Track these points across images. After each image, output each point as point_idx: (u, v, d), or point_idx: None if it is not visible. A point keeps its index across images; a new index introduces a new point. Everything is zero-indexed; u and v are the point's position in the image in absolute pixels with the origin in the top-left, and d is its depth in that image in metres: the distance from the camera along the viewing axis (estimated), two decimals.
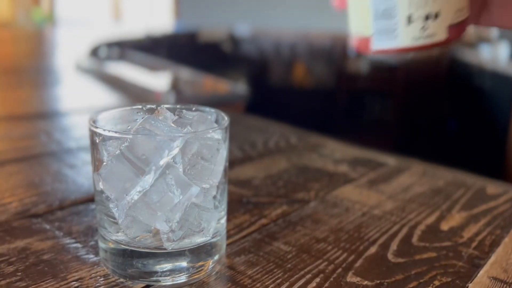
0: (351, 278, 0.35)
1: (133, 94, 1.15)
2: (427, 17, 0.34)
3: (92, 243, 0.38)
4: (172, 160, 0.31)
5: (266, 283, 0.34)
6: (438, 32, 0.34)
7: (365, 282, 0.34)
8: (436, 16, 0.34)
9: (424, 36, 0.34)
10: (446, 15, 0.34)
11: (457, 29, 0.34)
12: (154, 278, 0.33)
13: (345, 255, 0.38)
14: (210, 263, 0.35)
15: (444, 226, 0.44)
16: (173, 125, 0.33)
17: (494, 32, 3.54)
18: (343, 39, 2.66)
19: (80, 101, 1.05)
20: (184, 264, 0.33)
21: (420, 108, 2.62)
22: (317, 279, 0.34)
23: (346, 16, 0.36)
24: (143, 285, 0.33)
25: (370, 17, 0.35)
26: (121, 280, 0.33)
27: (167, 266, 0.33)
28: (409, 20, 0.34)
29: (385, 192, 0.52)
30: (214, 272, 0.35)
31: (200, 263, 0.34)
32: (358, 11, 0.36)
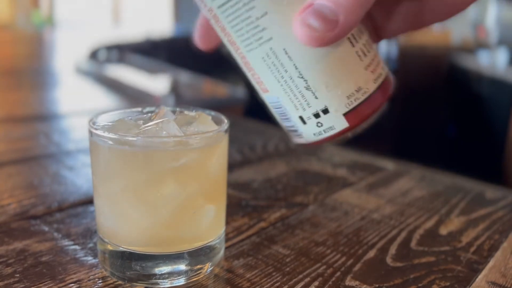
0: (349, 282, 0.35)
1: (132, 97, 1.15)
2: (316, 115, 0.33)
3: (91, 245, 0.38)
4: None
5: (265, 286, 0.34)
6: (335, 124, 0.33)
7: (364, 286, 0.34)
8: (325, 111, 0.33)
9: (324, 130, 0.33)
10: (335, 107, 0.32)
11: (357, 113, 0.32)
12: (153, 281, 0.33)
13: (343, 258, 0.38)
14: (209, 266, 0.35)
15: (443, 231, 0.44)
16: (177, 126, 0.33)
17: (493, 38, 3.55)
18: None
19: (79, 104, 1.05)
20: (182, 266, 0.33)
21: (419, 113, 2.63)
22: (316, 283, 0.34)
23: None
24: (141, 287, 0.33)
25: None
26: (120, 282, 0.33)
27: (165, 268, 0.33)
28: (303, 120, 0.33)
29: (384, 196, 0.52)
30: (213, 275, 0.35)
31: (198, 266, 0.34)
32: None
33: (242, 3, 0.29)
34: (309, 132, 0.34)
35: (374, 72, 0.32)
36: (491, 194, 0.53)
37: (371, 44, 0.32)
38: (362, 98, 0.32)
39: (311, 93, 0.32)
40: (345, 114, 0.32)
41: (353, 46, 0.31)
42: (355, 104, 0.32)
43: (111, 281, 0.33)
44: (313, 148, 0.36)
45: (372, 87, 0.32)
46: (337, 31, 0.28)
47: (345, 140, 0.35)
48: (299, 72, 0.31)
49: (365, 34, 0.32)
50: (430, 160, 0.72)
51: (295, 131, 0.34)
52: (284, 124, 0.35)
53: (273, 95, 0.33)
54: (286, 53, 0.30)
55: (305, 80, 0.31)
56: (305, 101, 0.32)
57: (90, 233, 0.40)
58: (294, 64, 0.31)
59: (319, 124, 0.33)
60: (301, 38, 0.28)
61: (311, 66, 0.31)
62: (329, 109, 0.32)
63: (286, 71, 0.31)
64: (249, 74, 0.33)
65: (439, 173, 0.60)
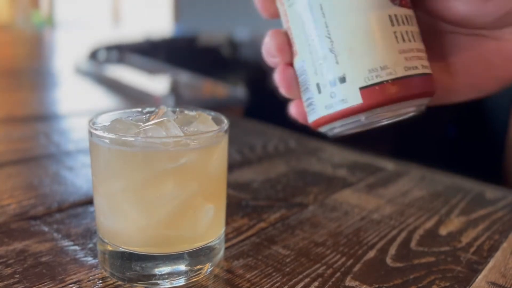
0: (349, 282, 0.35)
1: (132, 97, 1.15)
2: (333, 82, 0.32)
3: (91, 245, 0.38)
4: None
5: (265, 287, 0.34)
6: (348, 97, 0.31)
7: (364, 286, 0.34)
8: (342, 80, 0.31)
9: (336, 103, 0.32)
10: (353, 77, 0.31)
11: (374, 93, 0.30)
12: (153, 281, 0.33)
13: (343, 259, 0.38)
14: (209, 267, 0.35)
15: (443, 231, 0.44)
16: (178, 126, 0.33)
17: None
18: None
19: (79, 104, 1.05)
20: (182, 267, 0.33)
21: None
22: (316, 283, 0.34)
23: None
24: None
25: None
26: (120, 283, 0.33)
27: (165, 269, 0.33)
28: (319, 88, 0.32)
29: (384, 196, 0.52)
30: (213, 276, 0.35)
31: (198, 266, 0.34)
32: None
33: None
34: (321, 104, 0.32)
35: (409, 60, 0.31)
36: (491, 194, 0.53)
37: (417, 38, 0.31)
38: (385, 77, 0.30)
39: (333, 56, 0.31)
40: (361, 89, 0.31)
41: (393, 25, 0.30)
42: (375, 80, 0.30)
43: (111, 282, 0.33)
44: (322, 132, 0.35)
45: (400, 72, 0.30)
46: None
47: (349, 134, 0.34)
48: (328, 31, 0.31)
49: (414, 26, 0.32)
50: (430, 160, 0.72)
51: (310, 104, 0.33)
52: (303, 97, 0.34)
53: (300, 58, 0.33)
54: (321, 9, 0.31)
55: (331, 41, 0.31)
56: (326, 64, 0.31)
57: (90, 234, 0.40)
58: (325, 22, 0.31)
59: (333, 94, 0.32)
60: None
61: (341, 26, 0.31)
62: (346, 78, 0.31)
63: (316, 28, 0.31)
64: (288, 34, 0.33)
65: (439, 173, 0.60)
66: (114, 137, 0.31)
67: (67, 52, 2.28)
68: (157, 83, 1.34)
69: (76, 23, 4.66)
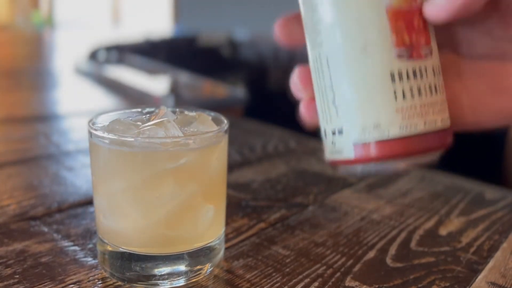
0: (349, 282, 0.35)
1: (132, 98, 1.15)
2: (333, 132, 0.33)
3: (90, 246, 0.38)
4: None
5: (265, 287, 0.34)
6: (343, 149, 0.32)
7: (364, 287, 0.34)
8: (340, 132, 0.32)
9: (335, 152, 0.33)
10: (349, 132, 0.32)
11: (365, 149, 0.31)
12: (153, 281, 0.33)
13: (343, 259, 0.38)
14: (209, 267, 0.35)
15: (443, 231, 0.44)
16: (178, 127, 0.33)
17: None
18: None
19: (79, 104, 1.05)
20: (182, 267, 0.33)
21: None
22: (316, 283, 0.34)
23: None
24: None
25: None
26: (119, 283, 0.33)
27: (165, 269, 0.33)
28: (325, 134, 0.33)
29: (383, 196, 0.52)
30: (213, 276, 0.35)
31: (198, 267, 0.34)
32: None
33: (309, 3, 0.31)
34: (326, 147, 0.33)
35: (407, 119, 0.31)
36: (490, 195, 0.53)
37: (427, 91, 0.31)
38: (377, 136, 0.31)
39: (334, 108, 0.32)
40: (354, 144, 0.31)
41: (393, 82, 0.30)
42: (367, 138, 0.31)
43: (111, 282, 0.33)
44: (334, 167, 0.35)
45: (394, 132, 0.30)
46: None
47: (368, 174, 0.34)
48: (332, 84, 0.32)
49: (428, 78, 0.31)
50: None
51: (324, 144, 0.34)
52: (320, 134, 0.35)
53: (315, 98, 0.34)
54: (328, 62, 0.31)
55: (333, 94, 0.32)
56: (330, 115, 0.32)
57: (89, 234, 0.40)
58: (330, 75, 0.31)
59: (333, 143, 0.33)
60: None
61: (342, 80, 0.31)
62: (343, 131, 0.32)
63: (323, 79, 0.32)
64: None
65: (439, 173, 0.60)
66: (114, 137, 0.31)
67: (67, 52, 2.28)
68: (157, 84, 1.34)
69: (76, 23, 4.66)
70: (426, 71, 0.31)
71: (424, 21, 0.31)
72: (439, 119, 0.31)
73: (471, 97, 0.36)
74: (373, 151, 0.31)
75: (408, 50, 0.30)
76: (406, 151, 0.31)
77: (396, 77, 0.30)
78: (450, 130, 0.32)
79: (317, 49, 0.32)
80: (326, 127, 0.33)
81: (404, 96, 0.30)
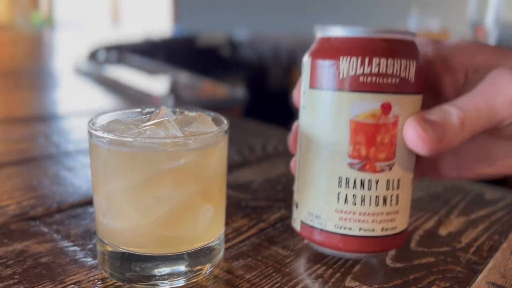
0: (349, 282, 0.35)
1: (132, 98, 1.15)
2: (295, 203, 0.38)
3: (90, 246, 0.38)
4: None
5: (265, 287, 0.34)
6: (295, 222, 0.37)
7: (364, 287, 0.34)
8: (297, 206, 0.37)
9: (293, 219, 0.38)
10: (300, 211, 0.36)
11: (307, 231, 0.36)
12: (152, 282, 0.33)
13: (343, 259, 0.38)
14: (208, 267, 0.35)
15: (443, 231, 0.44)
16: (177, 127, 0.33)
17: (492, 38, 3.55)
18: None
19: (79, 104, 1.05)
20: (182, 268, 0.33)
21: None
22: (316, 284, 0.34)
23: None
24: None
25: None
26: (119, 283, 0.33)
27: (165, 269, 0.33)
28: (293, 202, 0.38)
29: None
30: (212, 276, 0.35)
31: (198, 267, 0.34)
32: None
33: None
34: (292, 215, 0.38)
35: (343, 221, 0.34)
36: (490, 195, 0.53)
37: (371, 202, 0.33)
38: (316, 225, 0.35)
39: (297, 185, 0.37)
40: (302, 221, 0.36)
41: (340, 186, 0.33)
42: (309, 223, 0.35)
43: (111, 282, 0.33)
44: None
45: (330, 228, 0.34)
46: (442, 146, 0.32)
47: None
48: (299, 164, 0.37)
49: (377, 191, 0.33)
50: None
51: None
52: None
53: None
54: (300, 142, 0.36)
55: (298, 172, 0.37)
56: (296, 187, 0.37)
57: (89, 234, 0.40)
58: (299, 154, 0.36)
59: (293, 213, 0.38)
60: (412, 137, 0.32)
61: (304, 166, 0.36)
62: (298, 207, 0.37)
63: (298, 155, 0.37)
64: None
65: None
66: (113, 137, 0.31)
67: (67, 52, 2.28)
68: (156, 84, 1.35)
69: (76, 23, 4.66)
70: (376, 183, 0.33)
71: (392, 138, 0.33)
72: (378, 228, 0.34)
73: (458, 160, 0.39)
74: (312, 235, 0.35)
75: (361, 162, 0.33)
76: (338, 247, 0.34)
77: (343, 182, 0.33)
78: (391, 237, 0.35)
79: (299, 129, 0.36)
80: (294, 197, 0.38)
81: (346, 201, 0.34)
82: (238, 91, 1.43)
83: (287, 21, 4.25)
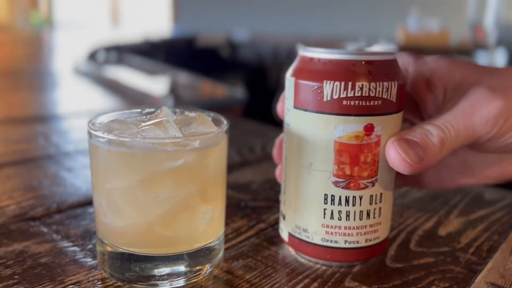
0: (349, 283, 0.35)
1: (131, 98, 1.15)
2: (282, 214, 0.39)
3: (90, 246, 0.38)
4: None
5: None
6: (283, 232, 0.38)
7: (363, 287, 0.34)
8: (284, 217, 0.38)
9: (280, 229, 0.39)
10: (288, 222, 0.37)
11: (294, 243, 0.37)
12: (152, 282, 0.33)
13: None
14: (208, 267, 0.35)
15: (442, 232, 0.44)
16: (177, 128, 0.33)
17: (491, 39, 3.56)
18: (341, 45, 2.67)
19: (78, 105, 1.05)
20: (182, 268, 0.33)
21: None
22: (315, 284, 0.34)
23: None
24: None
25: None
26: (119, 283, 0.33)
27: (165, 270, 0.33)
28: (279, 211, 0.39)
29: None
30: (212, 276, 0.35)
31: (198, 267, 0.34)
32: None
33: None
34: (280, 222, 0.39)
35: (328, 235, 0.35)
36: (490, 195, 0.53)
37: (355, 217, 0.35)
38: (303, 238, 0.36)
39: (283, 198, 0.38)
40: (289, 233, 0.37)
41: (325, 203, 0.35)
42: (296, 235, 0.37)
43: (111, 283, 0.33)
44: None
45: (316, 241, 0.36)
46: (422, 165, 0.33)
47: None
48: (285, 177, 0.37)
49: (361, 206, 0.35)
50: None
51: None
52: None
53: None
54: (286, 159, 0.37)
55: (284, 186, 0.38)
56: (282, 199, 0.38)
57: (89, 235, 0.40)
58: (285, 170, 0.37)
59: (280, 223, 0.39)
60: (394, 159, 0.33)
61: (290, 182, 0.37)
62: (285, 219, 0.38)
63: (283, 169, 0.38)
64: None
65: None
66: (113, 138, 0.31)
67: (66, 52, 2.28)
68: (156, 84, 1.35)
69: (75, 24, 4.66)
70: (360, 199, 0.34)
71: (374, 156, 0.34)
72: (363, 240, 0.36)
73: (438, 172, 0.41)
74: (300, 247, 0.37)
75: (346, 181, 0.34)
76: (325, 258, 0.36)
77: (329, 199, 0.34)
78: (375, 246, 0.36)
79: (284, 145, 0.38)
80: (281, 208, 0.39)
81: (332, 216, 0.35)
82: (237, 91, 1.43)
83: (287, 21, 4.25)
